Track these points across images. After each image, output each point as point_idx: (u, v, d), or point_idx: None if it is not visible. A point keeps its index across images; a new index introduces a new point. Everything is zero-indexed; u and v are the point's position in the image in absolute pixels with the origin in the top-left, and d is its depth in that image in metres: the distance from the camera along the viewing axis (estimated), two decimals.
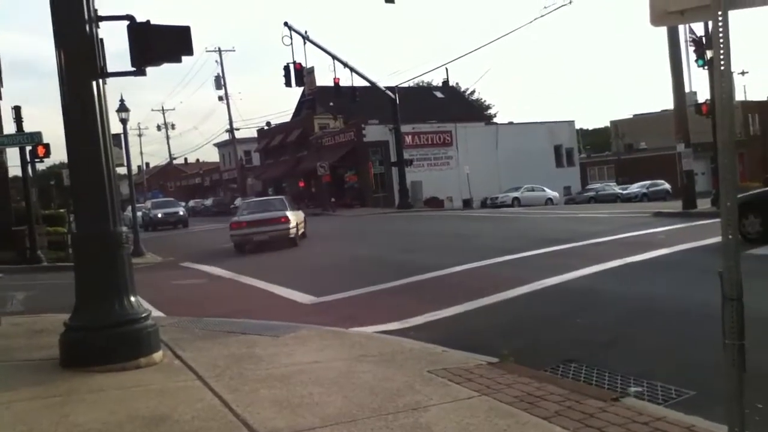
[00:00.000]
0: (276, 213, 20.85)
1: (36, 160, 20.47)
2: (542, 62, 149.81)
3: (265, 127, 64.66)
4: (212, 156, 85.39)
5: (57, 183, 47.51)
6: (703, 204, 23.77)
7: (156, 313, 8.77)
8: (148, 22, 6.26)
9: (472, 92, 72.09)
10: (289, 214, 20.91)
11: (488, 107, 75.73)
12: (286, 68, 34.18)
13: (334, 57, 37.28)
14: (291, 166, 56.86)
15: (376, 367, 5.72)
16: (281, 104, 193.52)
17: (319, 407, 4.60)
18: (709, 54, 21.45)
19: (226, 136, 67.08)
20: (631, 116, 73.49)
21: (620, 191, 48.27)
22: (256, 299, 11.18)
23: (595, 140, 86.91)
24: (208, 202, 67.00)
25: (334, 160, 47.50)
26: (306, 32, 36.40)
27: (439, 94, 62.17)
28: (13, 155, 19.18)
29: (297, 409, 4.55)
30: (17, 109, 18.50)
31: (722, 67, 3.20)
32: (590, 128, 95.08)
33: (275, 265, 15.81)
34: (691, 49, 23.43)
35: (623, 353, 6.40)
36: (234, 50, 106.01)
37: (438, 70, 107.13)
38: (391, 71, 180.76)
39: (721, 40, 3.17)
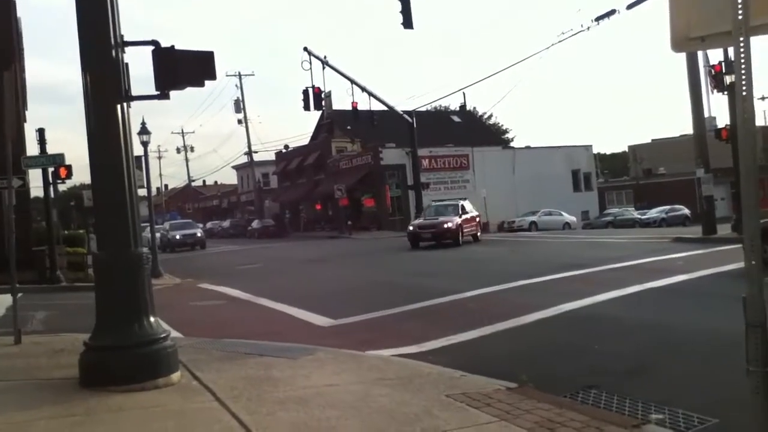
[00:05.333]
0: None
1: (58, 181, 20.74)
2: (560, 87, 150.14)
3: (283, 150, 65.10)
4: (230, 178, 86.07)
5: (77, 204, 48.03)
6: (724, 230, 23.53)
7: (174, 333, 8.77)
8: (172, 47, 6.38)
9: (489, 116, 72.24)
10: None
11: (505, 131, 75.73)
12: (305, 92, 34.49)
13: (352, 81, 37.58)
14: (308, 189, 57.14)
15: (393, 391, 5.69)
16: (299, 128, 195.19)
17: (336, 431, 4.58)
18: (728, 79, 21.38)
19: (244, 159, 67.72)
20: (650, 141, 73.24)
21: (639, 216, 47.89)
22: (274, 321, 11.18)
23: (613, 165, 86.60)
24: (226, 223, 67.41)
25: (351, 183, 47.67)
26: (325, 57, 36.73)
27: (456, 119, 62.36)
28: (34, 176, 19.40)
29: None
30: (41, 132, 18.77)
31: (744, 93, 3.19)
32: (608, 153, 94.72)
33: (292, 288, 15.83)
34: (710, 76, 23.36)
35: (644, 380, 6.32)
36: (253, 74, 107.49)
37: (455, 95, 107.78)
38: (408, 95, 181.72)
39: (743, 66, 3.16)
